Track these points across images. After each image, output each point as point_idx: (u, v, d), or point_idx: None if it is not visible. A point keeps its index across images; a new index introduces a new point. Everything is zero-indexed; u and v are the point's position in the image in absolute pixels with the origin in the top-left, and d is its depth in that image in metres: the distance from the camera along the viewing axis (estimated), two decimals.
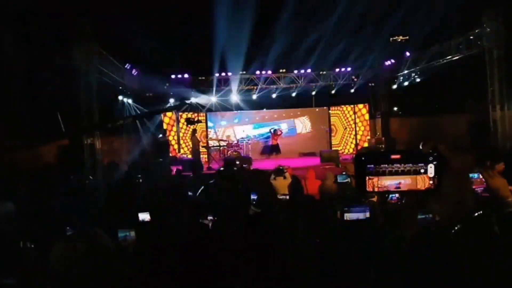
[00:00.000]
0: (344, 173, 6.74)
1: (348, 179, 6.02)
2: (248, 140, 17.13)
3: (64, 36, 9.79)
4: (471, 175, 4.29)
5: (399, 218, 1.34)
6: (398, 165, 1.31)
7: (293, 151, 17.61)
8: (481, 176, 3.91)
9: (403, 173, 1.30)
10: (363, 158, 1.31)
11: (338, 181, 6.17)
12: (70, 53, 9.88)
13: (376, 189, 1.33)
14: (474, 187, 4.16)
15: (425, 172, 1.30)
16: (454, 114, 13.98)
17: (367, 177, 1.32)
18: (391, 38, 12.94)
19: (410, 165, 1.30)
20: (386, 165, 1.32)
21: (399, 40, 12.82)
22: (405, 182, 1.32)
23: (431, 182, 1.29)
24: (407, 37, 12.57)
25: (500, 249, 1.26)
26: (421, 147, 6.75)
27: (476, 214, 1.66)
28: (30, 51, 9.09)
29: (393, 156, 1.30)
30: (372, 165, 1.30)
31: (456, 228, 1.19)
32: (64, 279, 1.26)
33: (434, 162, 1.29)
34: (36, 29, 8.95)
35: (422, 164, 1.30)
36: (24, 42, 8.68)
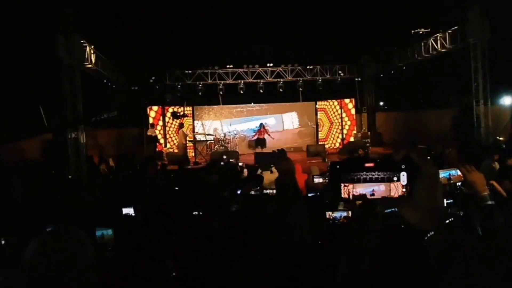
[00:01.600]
0: (329, 167, 6.80)
1: (324, 179, 6.09)
2: (235, 135, 17.08)
3: (48, 28, 9.59)
4: (450, 172, 4.42)
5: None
6: (372, 172, 1.35)
7: (280, 146, 17.61)
8: (459, 172, 3.99)
9: (377, 180, 1.34)
10: (337, 167, 1.35)
11: (314, 181, 6.26)
12: (54, 45, 9.69)
13: (351, 197, 1.36)
14: (456, 182, 4.28)
15: (398, 179, 1.34)
16: (439, 109, 14.14)
17: (342, 184, 1.36)
18: (412, 31, 12.34)
19: (384, 172, 1.35)
20: (360, 173, 1.36)
21: (421, 32, 12.17)
22: (379, 189, 1.36)
23: (404, 190, 1.33)
24: (429, 29, 11.91)
25: (481, 249, 1.27)
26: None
27: (447, 221, 1.70)
28: (12, 42, 8.88)
29: (367, 165, 1.34)
30: (347, 173, 1.35)
31: (429, 235, 1.21)
32: (37, 277, 1.23)
33: (406, 170, 1.33)
34: (19, 20, 8.75)
35: (395, 172, 1.35)
36: (6, 34, 8.47)
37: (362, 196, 1.31)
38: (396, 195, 1.25)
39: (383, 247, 1.24)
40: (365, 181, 1.29)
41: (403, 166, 1.26)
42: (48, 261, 1.23)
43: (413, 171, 1.27)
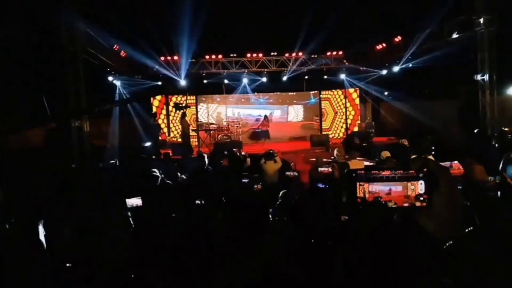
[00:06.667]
0: (333, 157, 6.76)
1: (329, 169, 6.08)
2: (239, 125, 17.04)
3: (50, 16, 9.51)
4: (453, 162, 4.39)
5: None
6: (389, 171, 1.32)
7: (283, 136, 17.61)
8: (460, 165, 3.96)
9: (393, 179, 1.32)
10: (354, 175, 1.33)
11: (319, 170, 6.25)
12: (56, 34, 9.62)
13: (367, 195, 1.33)
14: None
15: (415, 179, 1.32)
16: (444, 99, 14.02)
17: (357, 183, 1.33)
18: (463, 16, 11.74)
19: (401, 172, 1.32)
20: (377, 171, 1.33)
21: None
22: (396, 188, 1.34)
23: (421, 198, 1.31)
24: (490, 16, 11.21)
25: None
26: (381, 156, 6.23)
27: (467, 230, 1.68)
28: (13, 31, 8.82)
29: (383, 173, 1.32)
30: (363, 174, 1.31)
31: (447, 244, 1.20)
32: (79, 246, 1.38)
33: (424, 179, 1.31)
34: (21, 8, 8.68)
35: (413, 172, 1.32)
36: (7, 22, 8.41)
37: (378, 197, 1.28)
38: (413, 195, 1.23)
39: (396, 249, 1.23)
40: (381, 180, 1.27)
41: (421, 175, 1.23)
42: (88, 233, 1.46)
43: (431, 180, 1.24)
